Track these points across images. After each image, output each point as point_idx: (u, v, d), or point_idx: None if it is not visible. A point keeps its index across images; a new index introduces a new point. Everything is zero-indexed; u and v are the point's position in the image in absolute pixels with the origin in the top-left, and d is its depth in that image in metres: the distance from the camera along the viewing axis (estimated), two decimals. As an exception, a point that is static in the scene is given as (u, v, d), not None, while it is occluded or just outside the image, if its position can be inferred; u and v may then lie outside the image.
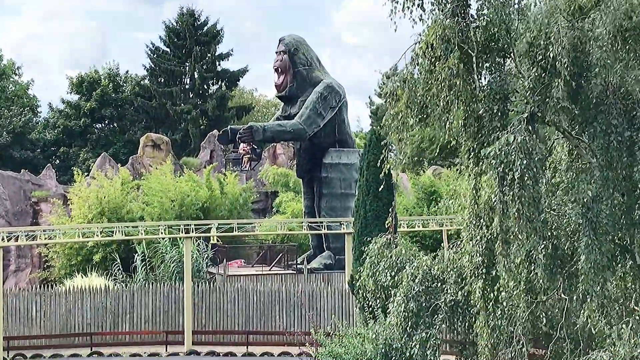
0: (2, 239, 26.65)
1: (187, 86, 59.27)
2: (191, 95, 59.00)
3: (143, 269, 33.20)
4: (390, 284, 14.90)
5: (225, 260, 33.33)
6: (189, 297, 28.98)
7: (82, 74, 59.15)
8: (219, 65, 59.24)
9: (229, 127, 35.56)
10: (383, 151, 24.05)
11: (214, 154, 45.85)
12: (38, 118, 62.20)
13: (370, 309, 22.91)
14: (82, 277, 32.74)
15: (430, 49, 12.23)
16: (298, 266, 33.36)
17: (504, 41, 12.14)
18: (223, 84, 59.51)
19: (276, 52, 34.50)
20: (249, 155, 33.28)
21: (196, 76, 58.31)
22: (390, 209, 24.33)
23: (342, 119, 34.28)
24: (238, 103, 61.55)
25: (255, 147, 33.28)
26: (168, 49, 59.14)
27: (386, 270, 15.18)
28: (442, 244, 36.94)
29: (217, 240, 32.85)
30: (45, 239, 28.59)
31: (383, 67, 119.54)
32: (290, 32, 33.54)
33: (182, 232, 29.51)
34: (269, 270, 33.58)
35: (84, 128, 57.45)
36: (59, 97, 58.95)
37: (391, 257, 15.36)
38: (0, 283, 26.73)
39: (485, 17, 12.26)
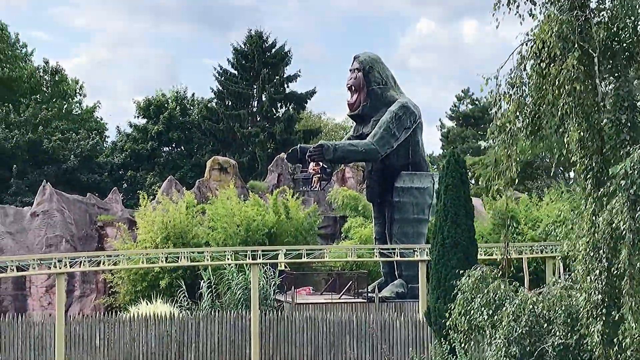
0: (65, 265, 25.83)
1: (254, 109, 58.53)
2: (259, 118, 58.22)
3: (209, 295, 32.08)
4: (488, 323, 12.99)
5: (293, 287, 32.00)
6: (256, 326, 27.71)
7: (150, 97, 59.04)
8: (287, 87, 58.39)
9: (298, 145, 34.39)
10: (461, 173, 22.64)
11: (281, 178, 44.69)
12: (106, 142, 62.24)
13: (448, 344, 21.28)
14: (147, 303, 31.78)
15: (544, 48, 10.45)
16: (369, 294, 31.84)
17: (631, 39, 10.33)
18: (291, 106, 58.58)
19: (350, 70, 33.21)
20: (318, 175, 31.92)
21: (264, 98, 57.55)
22: (470, 235, 22.85)
23: (416, 140, 32.68)
24: (305, 126, 60.59)
25: (326, 166, 31.96)
26: (236, 72, 58.54)
27: (482, 308, 13.27)
28: (521, 273, 35.11)
29: (285, 267, 31.62)
30: (109, 264, 27.67)
31: (449, 92, 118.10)
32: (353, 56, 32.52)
33: (249, 258, 28.38)
34: (339, 298, 32.13)
35: (151, 151, 57.11)
36: (127, 122, 59.20)
37: (488, 292, 13.48)
38: (62, 310, 25.91)
39: (608, 11, 10.46)
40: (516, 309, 12.63)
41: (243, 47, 58.60)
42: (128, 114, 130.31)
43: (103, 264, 27.05)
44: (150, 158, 57.38)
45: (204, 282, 32.26)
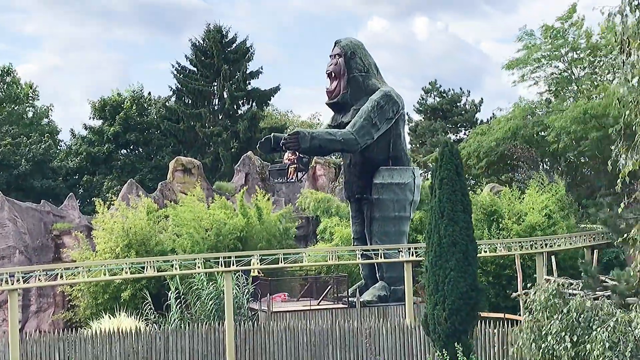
0: (18, 281, 23.23)
1: (215, 107, 55.89)
2: (220, 117, 55.57)
3: (178, 307, 29.65)
4: (572, 353, 10.13)
5: (268, 294, 29.77)
6: (231, 339, 25.60)
7: (105, 97, 56.04)
8: (249, 84, 55.82)
9: (272, 134, 32.14)
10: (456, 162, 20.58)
11: (248, 177, 42.26)
12: (59, 146, 59.11)
13: (449, 354, 19.31)
14: (110, 317, 29.29)
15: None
16: (349, 299, 29.73)
17: None
18: (254, 104, 56.07)
19: (330, 56, 31.02)
20: (295, 165, 29.61)
21: (225, 96, 54.95)
22: (469, 233, 20.75)
23: (398, 133, 30.57)
24: (270, 124, 58.10)
25: (302, 155, 29.65)
26: (195, 69, 55.88)
27: (562, 333, 10.47)
28: (507, 270, 33.29)
29: (258, 273, 29.37)
30: (67, 278, 25.09)
31: (404, 89, 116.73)
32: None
33: (221, 266, 26.11)
34: (317, 304, 29.96)
35: (107, 154, 54.22)
36: (81, 125, 56.29)
37: (569, 312, 10.68)
38: (15, 329, 23.35)
39: None
40: (612, 333, 9.84)
41: (202, 42, 55.95)
42: (81, 120, 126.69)
43: (61, 277, 24.48)
44: (106, 161, 54.53)
45: (171, 293, 29.77)
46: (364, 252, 28.62)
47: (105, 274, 25.43)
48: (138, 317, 29.60)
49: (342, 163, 45.23)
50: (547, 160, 49.38)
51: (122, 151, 56.73)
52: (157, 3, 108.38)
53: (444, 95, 64.15)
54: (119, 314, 29.47)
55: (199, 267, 26.33)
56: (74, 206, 38.37)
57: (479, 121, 61.89)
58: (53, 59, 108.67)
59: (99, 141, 54.69)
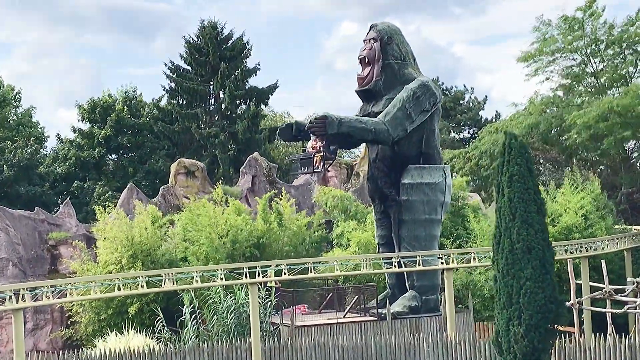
0: (22, 298, 20.43)
1: (211, 107, 53.07)
2: (217, 117, 52.77)
3: (193, 322, 26.97)
4: None
5: (292, 307, 27.23)
6: (258, 358, 23.13)
7: (95, 98, 53.03)
8: (247, 82, 53.02)
9: (294, 120, 29.56)
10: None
11: (255, 180, 39.46)
12: (45, 150, 56.02)
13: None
14: (117, 335, 26.56)
15: None
16: (379, 311, 27.24)
17: None
18: (252, 103, 53.23)
19: (364, 40, 28.55)
20: (321, 154, 26.86)
21: (222, 95, 52.17)
22: (545, 237, 18.38)
23: (432, 128, 28.06)
24: (268, 125, 55.35)
25: (328, 143, 26.99)
26: (190, 67, 53.03)
27: None
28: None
29: (276, 283, 26.83)
30: (78, 294, 22.35)
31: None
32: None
33: (245, 277, 23.59)
34: (344, 317, 27.44)
35: (98, 159, 51.20)
36: (57, 132, 53.11)
37: None
38: (22, 351, 20.66)
39: None
40: None
41: (196, 39, 53.15)
42: (55, 126, 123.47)
43: (70, 293, 21.75)
44: (97, 166, 51.58)
45: (186, 307, 27.08)
46: (400, 260, 26.13)
47: (119, 289, 22.74)
48: (147, 334, 26.92)
49: (354, 163, 42.83)
50: (563, 157, 47.45)
51: (113, 155, 53.78)
52: (127, 9, 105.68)
53: (447, 93, 61.81)
54: (127, 331, 26.79)
55: (221, 279, 23.80)
56: (70, 214, 35.48)
57: (483, 119, 59.67)
58: (23, 65, 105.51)
59: (88, 145, 51.67)
